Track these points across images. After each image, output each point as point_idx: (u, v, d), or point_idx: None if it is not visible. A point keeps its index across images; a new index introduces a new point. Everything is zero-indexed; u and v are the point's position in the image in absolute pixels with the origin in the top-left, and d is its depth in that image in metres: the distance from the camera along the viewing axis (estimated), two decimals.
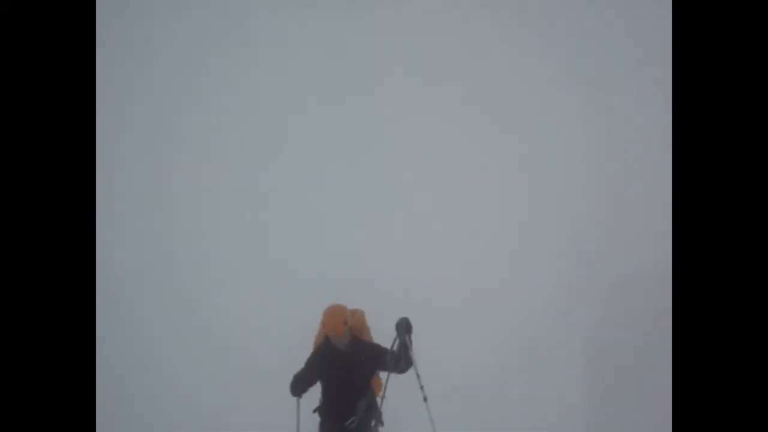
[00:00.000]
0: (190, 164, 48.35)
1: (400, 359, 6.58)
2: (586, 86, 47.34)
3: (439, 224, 44.14)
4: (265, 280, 38.11)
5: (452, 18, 50.84)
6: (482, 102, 49.74)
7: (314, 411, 6.82)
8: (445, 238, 43.08)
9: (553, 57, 48.95)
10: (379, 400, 6.99)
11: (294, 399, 6.71)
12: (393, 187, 46.11)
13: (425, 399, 6.94)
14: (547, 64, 49.01)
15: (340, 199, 45.83)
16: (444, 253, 41.18)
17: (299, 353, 6.73)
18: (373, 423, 6.87)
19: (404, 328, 6.69)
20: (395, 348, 6.63)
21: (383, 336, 6.99)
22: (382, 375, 6.85)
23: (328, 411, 6.80)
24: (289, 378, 6.69)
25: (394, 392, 6.94)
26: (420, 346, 6.74)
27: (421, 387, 6.86)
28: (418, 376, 6.84)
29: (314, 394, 6.79)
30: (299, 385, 6.64)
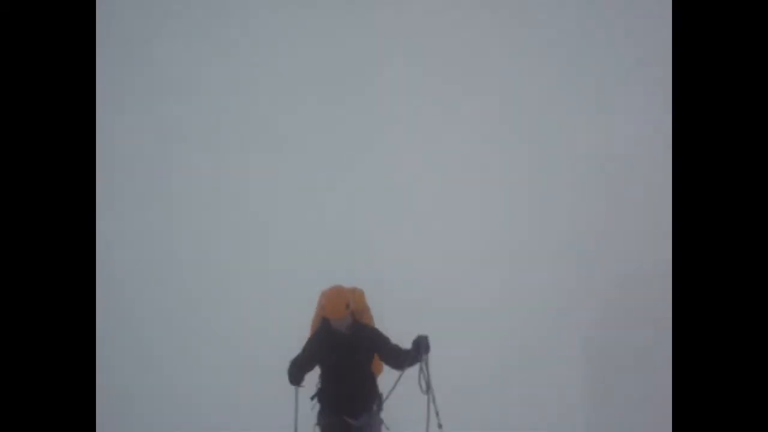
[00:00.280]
0: (190, 164, 48.33)
1: (405, 363, 6.40)
2: (587, 87, 47.32)
3: (439, 224, 44.11)
4: (265, 280, 38.13)
5: (453, 19, 50.82)
6: (482, 102, 49.73)
7: (312, 398, 6.62)
8: (444, 238, 43.08)
9: (553, 58, 48.96)
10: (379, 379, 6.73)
11: (292, 392, 6.57)
12: (393, 187, 46.10)
13: (440, 426, 6.65)
14: (547, 64, 49.03)
15: (341, 199, 45.81)
16: (444, 253, 41.17)
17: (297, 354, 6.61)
18: (375, 407, 6.61)
19: (422, 348, 6.45)
20: (409, 360, 6.39)
21: (382, 319, 6.87)
22: (393, 372, 6.62)
23: (327, 397, 6.57)
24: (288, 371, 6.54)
25: (397, 392, 6.75)
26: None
27: (437, 413, 6.61)
28: (437, 414, 6.59)
29: (313, 381, 6.64)
30: (298, 372, 6.46)
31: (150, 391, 33.35)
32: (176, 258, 42.73)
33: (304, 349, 6.54)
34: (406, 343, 6.48)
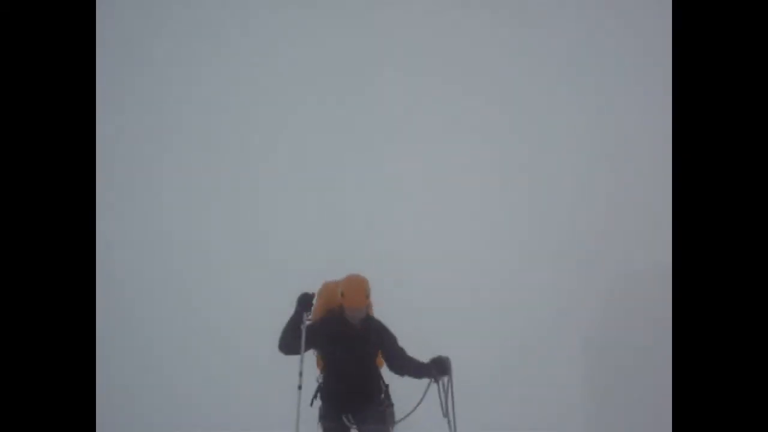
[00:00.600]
0: (191, 164, 48.33)
1: (409, 371, 6.19)
2: (587, 87, 47.31)
3: (439, 225, 44.09)
4: (265, 280, 38.12)
5: (454, 20, 50.83)
6: (482, 103, 49.73)
7: (314, 397, 6.29)
8: (444, 238, 43.07)
9: (553, 58, 48.94)
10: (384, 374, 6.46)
11: (292, 392, 6.24)
12: (393, 187, 46.09)
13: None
14: (548, 65, 49.03)
15: (341, 199, 45.80)
16: (443, 254, 41.18)
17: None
18: (382, 396, 6.29)
19: (442, 370, 6.21)
20: (419, 372, 6.18)
21: (381, 319, 6.66)
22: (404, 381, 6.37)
23: (331, 393, 6.22)
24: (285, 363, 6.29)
25: (400, 388, 6.61)
26: (422, 346, 6.46)
27: None
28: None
29: (312, 383, 6.35)
30: (292, 342, 6.08)
31: (150, 391, 33.38)
32: (176, 258, 42.75)
33: (309, 330, 6.14)
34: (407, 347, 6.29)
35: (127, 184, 44.99)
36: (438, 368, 6.21)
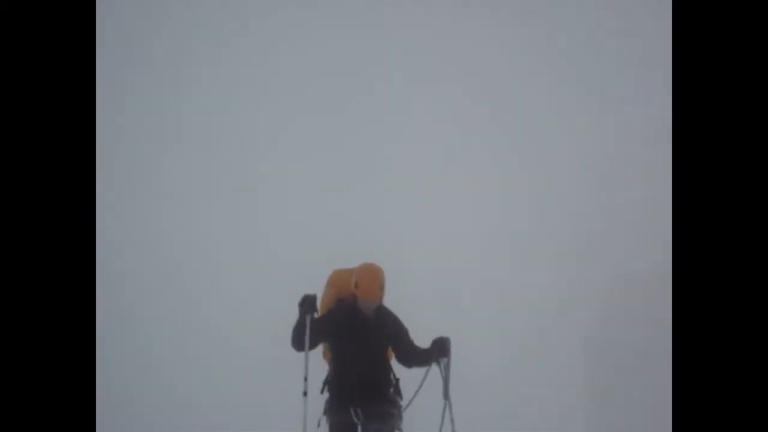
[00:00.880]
0: (191, 164, 48.29)
1: (416, 361, 6.03)
2: (587, 86, 47.26)
3: (438, 224, 44.07)
4: (266, 280, 38.11)
5: (455, 20, 50.75)
6: (482, 103, 49.67)
7: (323, 385, 6.07)
8: (444, 238, 43.06)
9: (554, 58, 48.89)
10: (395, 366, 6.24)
11: (295, 394, 5.96)
12: (393, 187, 46.06)
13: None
14: (548, 64, 48.98)
15: (341, 198, 45.76)
16: (442, 254, 41.16)
17: (298, 354, 6.19)
18: (392, 390, 6.10)
19: (442, 351, 6.09)
20: (422, 359, 6.04)
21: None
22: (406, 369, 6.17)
23: (340, 387, 5.98)
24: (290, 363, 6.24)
25: (407, 386, 6.31)
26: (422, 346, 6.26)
27: (452, 420, 6.12)
28: (452, 419, 6.09)
29: (315, 385, 6.12)
30: (304, 337, 5.86)
31: (150, 391, 33.38)
32: (176, 258, 42.77)
33: (320, 320, 6.00)
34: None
35: (127, 184, 44.94)
36: (438, 349, 6.06)
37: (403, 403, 6.11)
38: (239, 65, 50.67)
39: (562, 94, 47.08)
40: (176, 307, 39.36)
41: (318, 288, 6.24)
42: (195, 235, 43.80)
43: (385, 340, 6.01)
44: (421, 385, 6.13)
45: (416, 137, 48.60)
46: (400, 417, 6.02)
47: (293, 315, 6.01)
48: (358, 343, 5.91)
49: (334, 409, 5.96)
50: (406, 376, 6.19)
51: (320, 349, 6.22)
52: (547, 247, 40.53)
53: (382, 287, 5.99)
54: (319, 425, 6.00)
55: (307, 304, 5.97)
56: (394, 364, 6.18)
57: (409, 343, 6.08)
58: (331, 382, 6.06)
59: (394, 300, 6.26)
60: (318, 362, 6.18)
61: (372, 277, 5.97)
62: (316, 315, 6.00)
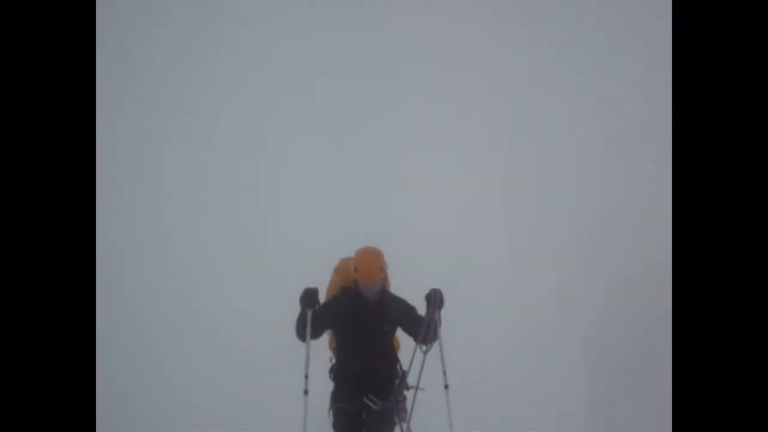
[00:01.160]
0: (191, 164, 48.29)
1: (428, 335, 5.87)
2: (587, 87, 47.26)
3: (437, 224, 44.07)
4: (266, 280, 38.11)
5: (455, 20, 50.74)
6: (482, 103, 49.67)
7: (330, 373, 6.01)
8: (444, 238, 43.06)
9: (554, 58, 48.89)
10: (401, 356, 6.11)
11: (302, 399, 5.83)
12: (392, 187, 46.06)
13: (446, 387, 6.10)
14: (548, 64, 48.98)
15: (340, 198, 45.75)
16: (442, 253, 41.15)
17: (299, 353, 6.12)
18: (397, 382, 5.96)
19: (436, 301, 5.94)
20: (426, 321, 5.87)
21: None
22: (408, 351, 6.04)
23: (345, 374, 5.90)
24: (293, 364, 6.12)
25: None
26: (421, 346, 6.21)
27: (444, 372, 6.06)
28: (442, 359, 6.00)
29: (321, 380, 6.08)
30: (307, 327, 5.77)
31: (150, 391, 33.38)
32: (177, 257, 42.78)
33: (324, 306, 5.93)
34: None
35: (127, 184, 44.94)
36: (430, 303, 5.95)
37: (410, 387, 5.98)
38: (239, 65, 50.67)
39: (562, 95, 47.08)
40: (176, 306, 39.37)
41: (320, 286, 6.18)
42: (195, 234, 43.80)
43: (389, 325, 5.90)
44: (413, 358, 5.94)
45: (416, 137, 48.60)
46: (404, 410, 5.92)
47: (294, 314, 5.98)
48: (361, 328, 5.83)
49: (338, 396, 5.91)
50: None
51: (325, 339, 6.15)
52: (547, 247, 40.53)
53: (381, 269, 5.91)
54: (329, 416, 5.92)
55: (308, 297, 5.90)
56: (402, 354, 6.08)
57: (418, 318, 5.96)
58: (335, 371, 6.00)
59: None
60: (318, 361, 6.10)
61: (369, 258, 5.91)
62: (317, 308, 5.93)
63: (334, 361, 6.05)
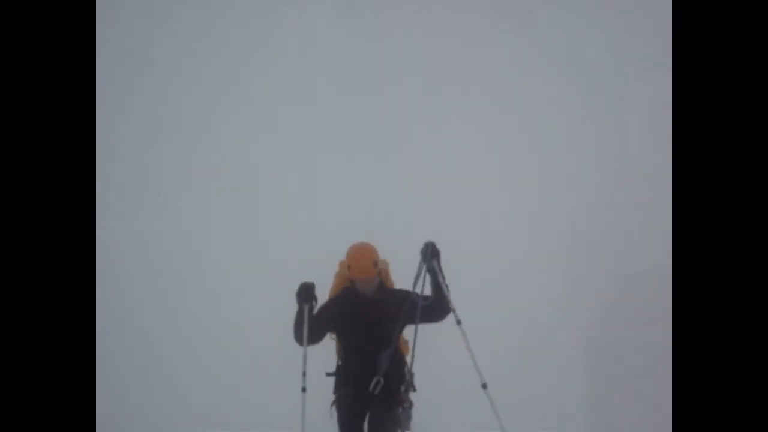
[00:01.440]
0: (191, 164, 48.25)
1: (420, 285, 5.76)
2: (587, 87, 47.24)
3: (437, 224, 44.04)
4: (266, 280, 38.08)
5: (455, 20, 50.73)
6: (482, 103, 49.63)
7: (329, 374, 5.94)
8: (443, 237, 43.05)
9: (555, 58, 48.85)
10: (408, 359, 5.92)
11: (300, 396, 5.74)
12: (392, 187, 46.02)
13: (484, 386, 6.02)
14: (549, 65, 48.93)
15: (340, 198, 45.73)
16: (443, 253, 41.15)
17: (298, 353, 6.03)
18: (403, 389, 5.81)
19: (431, 253, 5.91)
20: (422, 275, 5.80)
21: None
22: (409, 332, 5.94)
23: (346, 373, 5.79)
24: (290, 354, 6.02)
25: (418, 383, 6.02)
26: (422, 346, 5.99)
27: (477, 370, 6.00)
28: (472, 355, 5.98)
29: (321, 378, 6.00)
30: (304, 324, 5.64)
31: (150, 391, 33.37)
32: (176, 258, 42.76)
33: (323, 308, 5.82)
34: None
35: (127, 184, 44.91)
36: (425, 257, 5.89)
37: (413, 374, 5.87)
38: (239, 65, 50.65)
39: (562, 95, 47.06)
40: (176, 306, 39.34)
41: (320, 286, 6.12)
42: (195, 234, 43.78)
43: (394, 320, 5.71)
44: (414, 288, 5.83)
45: (416, 137, 48.57)
46: (409, 418, 5.80)
47: (293, 314, 5.91)
48: (361, 327, 5.72)
49: (341, 390, 5.82)
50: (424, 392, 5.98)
51: (332, 345, 6.07)
52: (547, 248, 40.50)
53: (375, 263, 5.79)
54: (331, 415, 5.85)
55: (304, 292, 5.80)
56: (418, 358, 5.98)
57: (418, 296, 5.85)
58: (339, 373, 5.89)
59: None
60: (317, 360, 6.02)
61: (361, 254, 5.81)
62: (314, 303, 5.84)
63: (340, 362, 5.95)
